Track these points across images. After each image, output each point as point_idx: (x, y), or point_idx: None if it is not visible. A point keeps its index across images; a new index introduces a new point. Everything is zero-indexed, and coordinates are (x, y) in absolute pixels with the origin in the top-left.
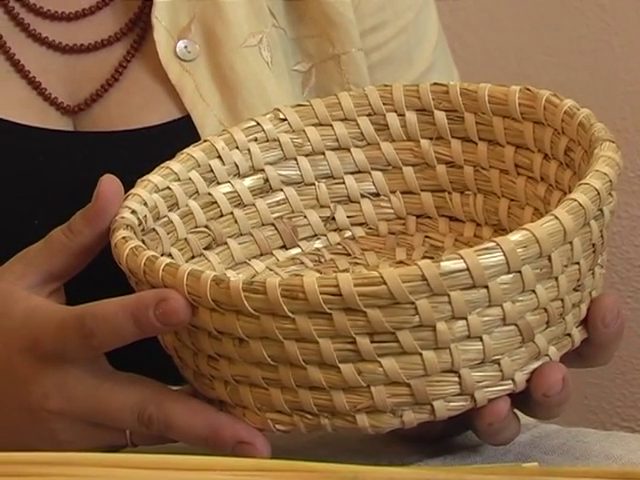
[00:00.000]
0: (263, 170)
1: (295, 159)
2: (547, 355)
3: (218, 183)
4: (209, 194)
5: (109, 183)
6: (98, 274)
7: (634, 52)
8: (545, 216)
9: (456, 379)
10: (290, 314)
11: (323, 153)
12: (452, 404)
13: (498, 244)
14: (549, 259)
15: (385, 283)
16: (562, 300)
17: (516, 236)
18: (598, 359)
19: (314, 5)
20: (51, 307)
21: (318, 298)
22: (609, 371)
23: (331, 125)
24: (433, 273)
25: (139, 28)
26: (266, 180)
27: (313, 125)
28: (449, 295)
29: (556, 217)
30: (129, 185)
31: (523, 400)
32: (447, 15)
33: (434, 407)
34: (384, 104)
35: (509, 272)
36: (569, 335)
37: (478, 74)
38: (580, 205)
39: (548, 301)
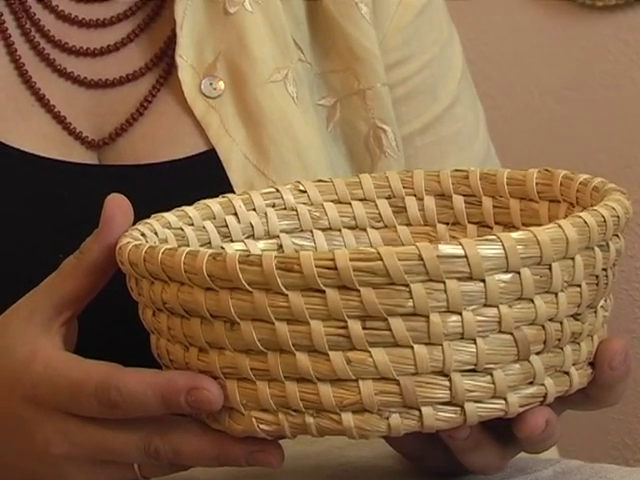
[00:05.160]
0: (278, 236)
1: (311, 231)
2: (543, 385)
3: (232, 240)
4: (222, 247)
5: (116, 198)
6: (109, 306)
7: None
8: (549, 224)
9: (446, 383)
10: (284, 289)
11: (339, 230)
12: (441, 414)
13: (499, 237)
14: (549, 269)
15: (381, 259)
16: (561, 323)
17: (517, 234)
18: (606, 400)
19: (340, 39)
20: (64, 361)
21: (313, 271)
22: (632, 407)
23: (350, 204)
24: (430, 255)
25: (164, 63)
26: (280, 246)
27: (332, 201)
28: (445, 283)
29: (559, 226)
30: None
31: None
32: (470, 49)
33: (422, 414)
34: (404, 187)
35: (508, 270)
36: (567, 374)
37: (500, 108)
38: (585, 222)
39: (546, 318)
